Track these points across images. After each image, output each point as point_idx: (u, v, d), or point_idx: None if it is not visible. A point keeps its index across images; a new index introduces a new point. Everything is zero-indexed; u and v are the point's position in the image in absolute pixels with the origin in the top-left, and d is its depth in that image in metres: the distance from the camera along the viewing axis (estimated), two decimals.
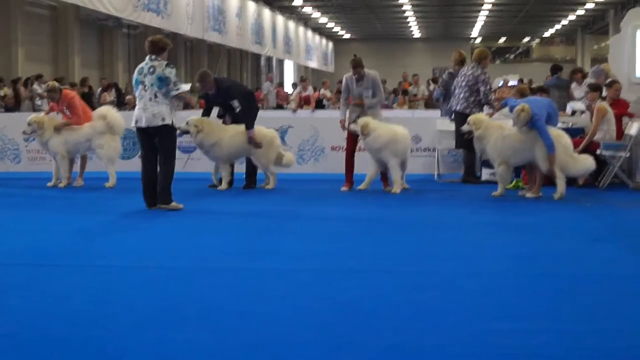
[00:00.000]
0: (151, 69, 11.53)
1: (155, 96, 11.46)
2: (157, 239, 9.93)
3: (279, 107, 32.92)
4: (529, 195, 13.12)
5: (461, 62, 16.03)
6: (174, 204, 11.65)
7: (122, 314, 6.26)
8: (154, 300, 6.71)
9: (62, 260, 8.47)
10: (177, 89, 11.66)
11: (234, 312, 6.31)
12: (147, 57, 11.69)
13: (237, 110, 14.09)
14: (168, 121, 11.48)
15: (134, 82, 11.84)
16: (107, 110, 15.17)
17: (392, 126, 13.82)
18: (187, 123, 14.18)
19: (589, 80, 17.08)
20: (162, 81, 11.46)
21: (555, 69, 20.13)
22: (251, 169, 14.67)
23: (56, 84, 15.79)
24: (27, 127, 14.80)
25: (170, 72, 11.56)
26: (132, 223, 11.11)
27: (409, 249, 8.95)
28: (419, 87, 32.22)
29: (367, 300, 6.63)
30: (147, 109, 11.48)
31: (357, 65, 14.13)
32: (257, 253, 8.75)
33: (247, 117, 14.20)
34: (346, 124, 14.11)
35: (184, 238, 9.87)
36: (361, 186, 13.83)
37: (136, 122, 11.66)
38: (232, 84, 15.11)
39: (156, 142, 11.61)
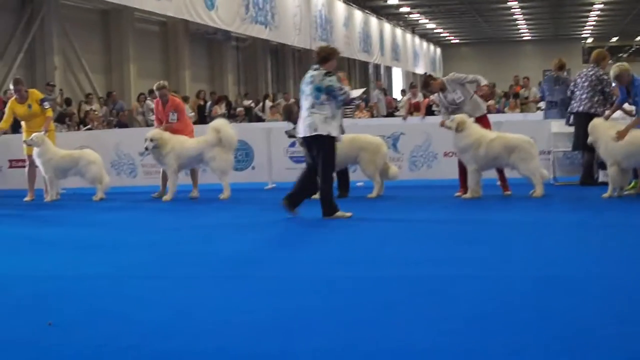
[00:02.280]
0: (311, 79, 11.48)
1: (312, 106, 11.39)
2: (332, 248, 9.80)
3: (389, 115, 32.81)
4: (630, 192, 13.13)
5: (561, 68, 16.03)
6: (339, 213, 11.55)
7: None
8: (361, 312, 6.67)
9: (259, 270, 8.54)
10: (344, 94, 11.59)
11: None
12: (314, 66, 11.64)
13: None
14: (321, 131, 11.35)
15: (301, 90, 11.83)
16: (222, 124, 15.25)
17: (485, 131, 13.44)
18: (293, 128, 14.32)
19: None
20: (320, 91, 11.34)
21: None
22: (345, 178, 14.67)
23: (166, 83, 16.01)
24: (149, 142, 14.94)
25: (331, 81, 11.41)
26: (301, 234, 11.11)
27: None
28: (530, 90, 31.84)
29: None
30: (305, 119, 11.47)
31: (426, 85, 14.29)
32: (454, 260, 8.52)
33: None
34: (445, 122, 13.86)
35: (361, 247, 9.73)
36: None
37: (299, 132, 11.76)
38: None
39: (314, 152, 11.55)
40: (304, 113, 11.53)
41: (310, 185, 11.72)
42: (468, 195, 13.40)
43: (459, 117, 13.32)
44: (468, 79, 13.90)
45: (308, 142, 11.55)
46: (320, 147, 11.44)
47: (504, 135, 13.53)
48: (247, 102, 34.82)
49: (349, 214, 11.57)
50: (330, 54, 11.67)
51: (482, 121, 13.58)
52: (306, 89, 11.50)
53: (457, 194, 13.82)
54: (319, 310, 6.59)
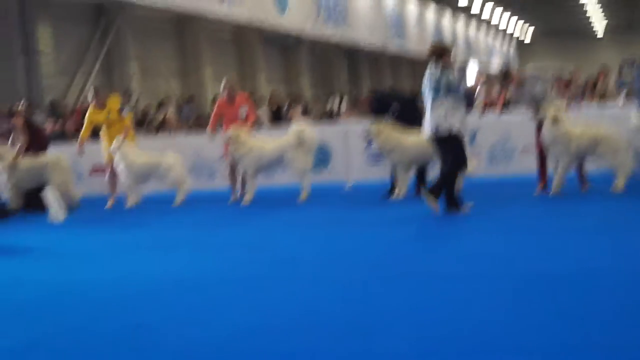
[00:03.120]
0: (434, 76, 11.50)
1: (434, 103, 11.42)
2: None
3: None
4: None
5: None
6: (462, 206, 11.59)
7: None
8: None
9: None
10: (463, 88, 11.73)
11: None
12: (431, 64, 11.62)
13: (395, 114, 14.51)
14: (447, 127, 11.39)
15: (422, 89, 11.76)
16: (303, 127, 15.26)
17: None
18: (367, 130, 14.55)
19: None
20: (440, 87, 11.40)
21: None
22: (422, 173, 14.54)
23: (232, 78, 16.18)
24: (230, 140, 15.11)
25: (449, 77, 11.47)
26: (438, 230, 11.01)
27: None
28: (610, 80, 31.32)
29: None
30: (433, 117, 11.46)
31: (507, 77, 14.15)
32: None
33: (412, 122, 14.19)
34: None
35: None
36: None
37: (425, 130, 11.71)
38: (391, 97, 15.24)
39: (445, 148, 11.59)
40: (431, 111, 11.48)
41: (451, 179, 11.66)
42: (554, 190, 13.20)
43: (553, 108, 12.99)
44: (547, 73, 13.73)
45: (437, 139, 11.57)
46: (450, 144, 11.48)
47: (591, 129, 13.27)
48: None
49: (470, 204, 11.70)
50: (444, 50, 11.67)
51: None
52: (430, 86, 11.48)
53: (539, 189, 13.53)
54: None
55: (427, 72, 11.57)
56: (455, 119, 11.39)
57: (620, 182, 12.89)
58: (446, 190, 11.49)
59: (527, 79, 13.61)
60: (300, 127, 15.16)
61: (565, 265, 7.73)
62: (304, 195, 14.80)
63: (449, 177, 11.51)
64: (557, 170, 13.09)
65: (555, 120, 12.89)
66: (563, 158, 12.99)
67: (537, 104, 13.37)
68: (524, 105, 13.82)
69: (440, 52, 11.59)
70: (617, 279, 6.99)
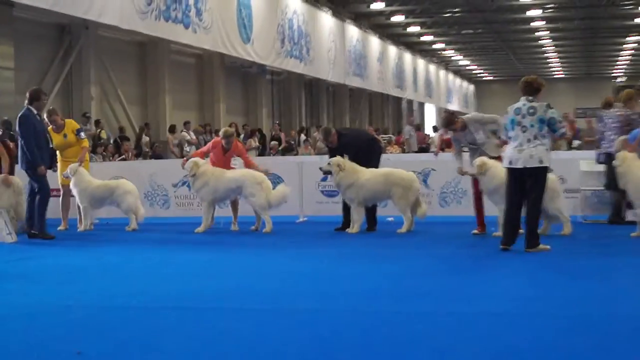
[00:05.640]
0: (531, 110, 11.32)
1: (535, 137, 11.26)
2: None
3: (422, 150, 32.76)
4: None
5: (608, 105, 15.60)
6: (541, 246, 11.38)
7: None
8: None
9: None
10: (563, 127, 11.71)
11: None
12: (524, 98, 11.48)
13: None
14: (546, 163, 11.30)
15: (508, 122, 11.54)
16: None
17: None
18: (328, 163, 14.51)
19: None
20: (543, 123, 11.28)
21: None
22: (372, 212, 14.76)
23: (232, 130, 16.29)
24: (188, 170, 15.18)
25: (554, 113, 11.41)
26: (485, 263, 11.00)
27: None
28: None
29: None
30: (524, 150, 11.27)
31: (449, 123, 14.05)
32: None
33: (369, 162, 14.67)
34: (463, 170, 13.84)
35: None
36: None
37: (510, 162, 11.42)
38: (349, 141, 15.13)
39: (528, 183, 11.37)
40: (522, 144, 11.30)
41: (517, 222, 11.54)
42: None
43: (479, 160, 13.18)
44: (490, 119, 13.85)
45: (524, 172, 11.32)
46: (539, 178, 11.33)
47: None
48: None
49: (548, 247, 11.44)
50: (541, 85, 11.62)
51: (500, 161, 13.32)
52: (524, 120, 11.32)
53: (475, 231, 13.74)
54: None
55: (520, 105, 11.41)
56: (547, 154, 11.34)
57: (566, 228, 13.01)
58: (530, 226, 11.40)
59: (471, 125, 13.76)
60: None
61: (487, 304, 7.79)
62: (267, 228, 14.76)
63: (536, 213, 11.46)
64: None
65: (483, 171, 13.06)
66: (501, 204, 13.10)
67: (475, 150, 13.63)
68: (458, 150, 14.02)
69: (539, 87, 11.56)
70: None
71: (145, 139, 28.14)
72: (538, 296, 8.56)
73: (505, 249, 11.31)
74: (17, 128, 14.60)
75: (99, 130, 26.64)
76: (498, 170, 12.83)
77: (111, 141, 26.32)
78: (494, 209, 13.32)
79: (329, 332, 7.10)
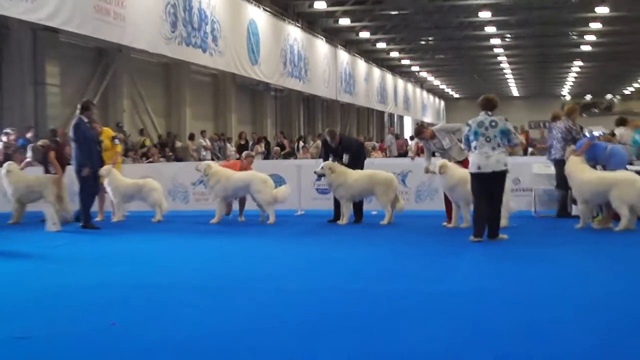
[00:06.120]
0: (493, 123, 11.27)
1: (498, 146, 11.20)
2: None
3: (401, 155, 32.74)
4: (597, 226, 12.96)
5: (556, 118, 15.64)
6: (500, 236, 11.34)
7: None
8: None
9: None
10: (517, 138, 11.83)
11: None
12: (483, 113, 11.40)
13: (346, 162, 14.64)
14: (508, 166, 11.32)
15: (471, 134, 11.36)
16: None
17: (465, 170, 12.69)
18: (321, 167, 14.49)
19: None
20: (503, 133, 11.23)
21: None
22: (359, 206, 14.71)
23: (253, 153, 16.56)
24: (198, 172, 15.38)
25: (510, 126, 11.43)
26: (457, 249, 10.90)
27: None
28: (519, 137, 31.64)
29: None
30: (491, 157, 11.19)
31: (419, 133, 14.41)
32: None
33: (357, 164, 14.70)
34: (429, 169, 13.87)
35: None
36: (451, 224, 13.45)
37: (478, 168, 11.27)
38: (346, 144, 15.18)
39: (493, 184, 11.25)
40: (488, 152, 11.21)
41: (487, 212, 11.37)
42: (452, 224, 13.36)
43: (440, 162, 13.26)
44: (454, 128, 13.99)
45: (492, 176, 11.23)
46: (503, 179, 11.36)
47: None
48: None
49: (506, 237, 11.41)
50: (497, 102, 11.61)
51: (465, 163, 13.21)
52: (490, 131, 11.23)
53: (444, 223, 13.69)
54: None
55: (487, 119, 11.33)
56: (507, 160, 11.37)
57: (503, 220, 12.59)
58: (493, 220, 11.34)
59: (438, 134, 13.84)
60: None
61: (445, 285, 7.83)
62: (270, 219, 14.72)
63: (500, 206, 11.43)
64: (461, 210, 13.29)
65: (442, 171, 13.09)
66: (459, 200, 13.15)
67: (443, 154, 13.71)
68: (429, 155, 14.02)
69: (496, 104, 11.54)
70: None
71: (177, 144, 28.24)
72: (496, 276, 8.59)
73: (478, 241, 11.20)
74: (70, 134, 14.54)
75: (143, 138, 27.01)
76: (455, 171, 12.97)
77: (153, 145, 26.72)
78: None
79: (322, 307, 7.12)
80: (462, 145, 12.17)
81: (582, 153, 13.40)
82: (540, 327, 6.16)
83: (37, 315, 6.95)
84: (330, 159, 14.82)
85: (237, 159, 17.43)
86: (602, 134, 22.27)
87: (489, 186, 11.27)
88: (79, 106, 14.41)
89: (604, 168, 13.54)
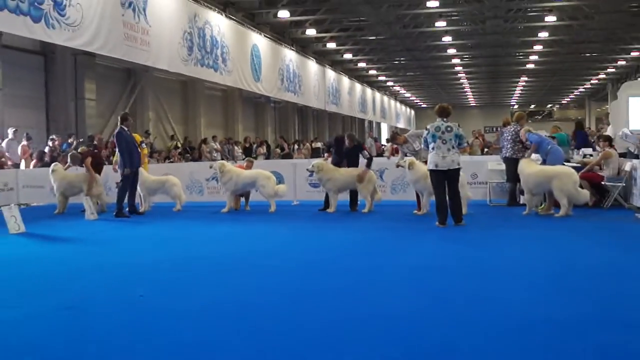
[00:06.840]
0: (448, 128, 11.25)
1: (453, 147, 11.21)
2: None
3: (378, 155, 32.74)
4: (541, 212, 12.98)
5: (506, 124, 15.77)
6: (462, 222, 11.31)
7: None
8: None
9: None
10: (466, 141, 12.20)
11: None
12: (439, 119, 11.38)
13: (367, 157, 14.41)
14: (461, 165, 11.35)
15: (430, 137, 11.32)
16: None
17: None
18: (312, 165, 14.48)
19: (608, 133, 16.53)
20: (457, 137, 11.24)
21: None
22: (354, 197, 14.68)
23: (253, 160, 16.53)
24: (213, 169, 15.39)
25: (461, 130, 11.40)
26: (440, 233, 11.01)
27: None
28: (475, 140, 31.72)
29: None
30: (447, 157, 11.19)
31: (393, 138, 14.74)
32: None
33: (369, 162, 14.38)
34: (399, 163, 13.89)
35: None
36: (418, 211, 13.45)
37: (436, 165, 11.24)
38: (358, 143, 15.16)
39: (449, 180, 11.24)
40: (444, 153, 11.20)
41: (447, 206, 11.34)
42: (422, 212, 13.37)
43: (409, 159, 13.30)
44: (423, 133, 14.00)
45: (448, 173, 11.22)
46: (457, 175, 11.31)
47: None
48: (318, 144, 35.28)
49: (463, 223, 11.30)
50: (451, 111, 11.55)
51: None
52: (446, 135, 11.21)
53: (415, 211, 13.64)
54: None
55: (443, 124, 11.29)
56: (459, 159, 11.39)
57: (464, 209, 12.80)
58: (458, 207, 11.32)
59: (409, 139, 13.91)
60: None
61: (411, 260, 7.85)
62: (272, 208, 14.71)
63: (459, 197, 11.37)
64: (423, 199, 13.33)
65: (411, 167, 13.13)
66: (422, 191, 13.17)
67: (415, 155, 13.73)
68: (402, 156, 14.04)
69: (450, 112, 11.50)
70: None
71: (204, 147, 28.22)
72: (455, 254, 8.62)
73: (443, 226, 11.19)
74: (114, 140, 14.68)
75: (175, 142, 27.24)
76: (420, 168, 12.98)
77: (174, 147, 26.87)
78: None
79: (314, 279, 7.14)
80: (423, 146, 12.19)
81: (530, 156, 13.54)
82: (491, 296, 6.20)
83: (80, 289, 6.96)
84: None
85: (243, 159, 17.38)
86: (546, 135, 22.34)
87: (445, 180, 11.31)
88: (119, 118, 14.54)
89: (544, 162, 13.62)
